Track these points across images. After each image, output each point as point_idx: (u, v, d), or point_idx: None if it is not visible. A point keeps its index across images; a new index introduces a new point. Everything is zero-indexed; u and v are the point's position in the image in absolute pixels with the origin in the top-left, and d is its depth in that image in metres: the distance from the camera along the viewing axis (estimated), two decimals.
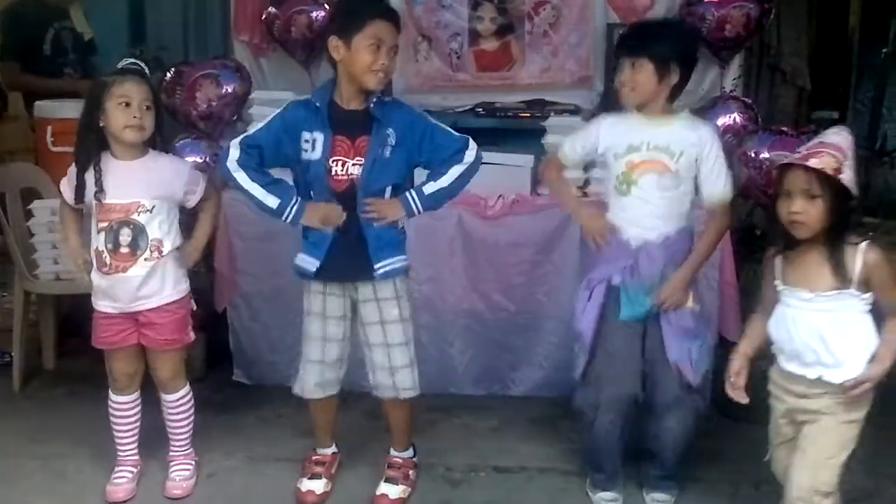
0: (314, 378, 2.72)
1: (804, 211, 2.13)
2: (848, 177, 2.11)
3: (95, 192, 2.57)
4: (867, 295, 2.15)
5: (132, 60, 2.67)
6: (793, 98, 5.03)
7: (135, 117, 2.55)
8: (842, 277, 2.14)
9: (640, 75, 2.52)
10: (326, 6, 4.07)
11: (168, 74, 3.70)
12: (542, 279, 3.37)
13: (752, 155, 3.26)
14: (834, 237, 2.15)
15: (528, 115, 3.98)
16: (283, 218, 2.58)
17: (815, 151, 2.12)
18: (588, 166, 3.35)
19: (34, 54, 4.33)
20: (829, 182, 2.10)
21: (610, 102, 3.77)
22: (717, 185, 2.57)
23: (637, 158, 2.57)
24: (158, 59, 3.92)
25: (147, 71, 2.67)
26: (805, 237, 2.16)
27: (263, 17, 4.14)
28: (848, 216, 2.15)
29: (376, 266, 2.59)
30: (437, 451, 3.04)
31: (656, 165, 2.56)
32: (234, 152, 2.59)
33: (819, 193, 2.11)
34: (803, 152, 2.15)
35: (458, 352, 3.47)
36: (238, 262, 3.51)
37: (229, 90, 3.69)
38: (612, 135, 2.63)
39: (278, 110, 2.65)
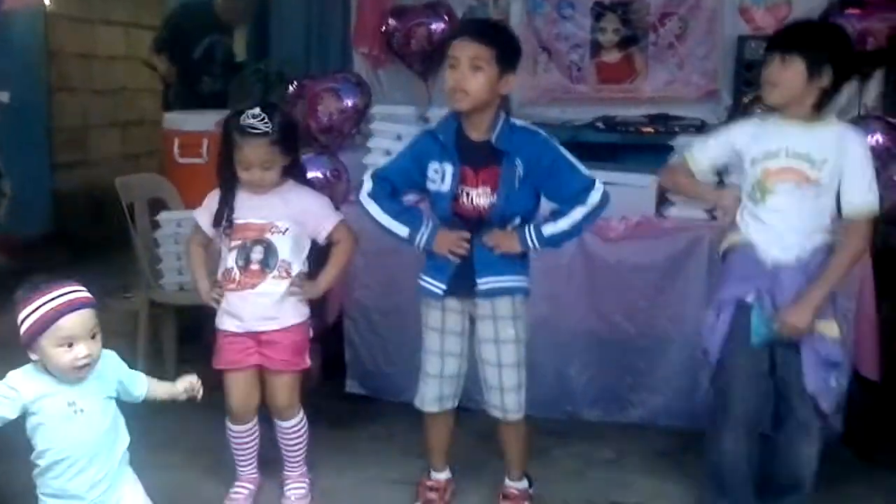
0: (433, 392, 2.70)
1: None
2: None
3: (230, 215, 2.63)
4: None
5: (255, 118, 2.55)
6: None
7: (255, 178, 2.60)
8: None
9: (788, 72, 2.38)
10: (446, 18, 4.05)
11: (290, 88, 3.74)
12: (666, 304, 3.25)
13: None
14: None
15: (652, 129, 3.86)
16: (415, 245, 2.60)
17: None
18: (721, 172, 3.20)
19: (184, 54, 4.66)
20: None
21: (738, 118, 3.61)
22: (858, 196, 2.40)
23: (774, 166, 2.44)
24: (281, 73, 3.98)
25: (270, 129, 2.55)
26: None
27: (384, 29, 4.15)
28: None
29: (479, 282, 2.55)
30: (552, 481, 2.97)
31: (794, 175, 2.42)
32: (367, 184, 2.65)
33: None
34: None
35: (576, 371, 3.40)
36: (356, 275, 3.52)
37: (349, 104, 3.69)
38: (748, 137, 2.51)
39: (411, 139, 2.69)
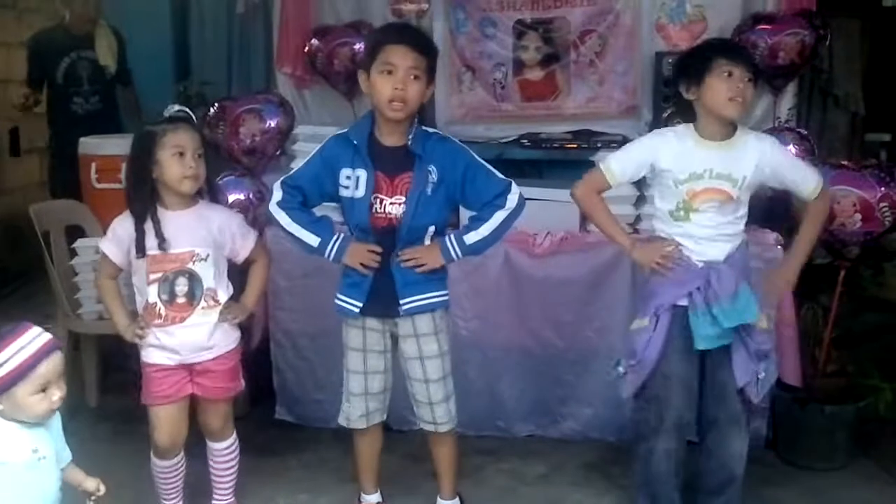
0: (359, 410, 2.67)
1: None
2: None
3: (159, 243, 2.52)
4: None
5: (180, 108, 2.60)
6: (846, 123, 4.89)
7: (190, 167, 2.52)
8: None
9: (749, 90, 2.50)
10: None
11: (211, 109, 3.68)
12: (592, 316, 3.28)
13: None
14: None
15: (575, 145, 3.89)
16: (326, 255, 2.56)
17: None
18: (639, 201, 3.27)
19: (50, 81, 4.48)
20: None
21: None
22: (807, 176, 2.57)
23: (699, 187, 2.51)
24: (202, 94, 3.91)
25: (194, 118, 2.62)
26: None
27: (306, 49, 4.13)
28: None
29: (402, 302, 2.54)
30: (484, 500, 2.95)
31: (719, 195, 2.51)
32: (277, 194, 2.59)
33: None
34: None
35: (506, 386, 3.40)
36: (282, 300, 3.47)
37: (272, 125, 3.64)
38: (671, 157, 2.55)
39: (318, 147, 2.62)
